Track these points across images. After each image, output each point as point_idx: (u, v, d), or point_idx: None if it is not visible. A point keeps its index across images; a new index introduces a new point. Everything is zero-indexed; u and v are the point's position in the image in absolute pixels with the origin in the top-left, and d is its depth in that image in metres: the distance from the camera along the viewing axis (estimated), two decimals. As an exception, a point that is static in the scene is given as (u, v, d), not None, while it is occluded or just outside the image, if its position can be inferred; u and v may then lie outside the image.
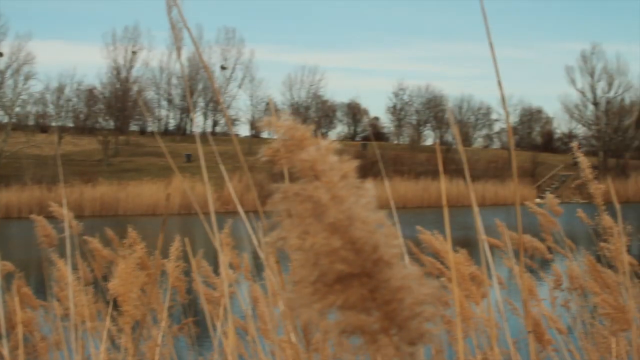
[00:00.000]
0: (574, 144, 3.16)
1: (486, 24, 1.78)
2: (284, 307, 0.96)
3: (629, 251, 5.09)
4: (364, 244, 0.90)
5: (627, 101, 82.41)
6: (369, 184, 0.95)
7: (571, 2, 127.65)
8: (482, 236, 2.40)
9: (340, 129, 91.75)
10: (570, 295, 5.57)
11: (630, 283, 2.80)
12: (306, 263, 0.91)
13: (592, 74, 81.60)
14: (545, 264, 5.99)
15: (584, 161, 3.05)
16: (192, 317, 6.01)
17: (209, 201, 2.06)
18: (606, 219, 3.02)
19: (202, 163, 2.00)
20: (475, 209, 2.21)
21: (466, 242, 3.31)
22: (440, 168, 1.99)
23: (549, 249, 5.45)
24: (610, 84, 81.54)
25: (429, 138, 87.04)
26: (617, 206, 2.89)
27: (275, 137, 0.99)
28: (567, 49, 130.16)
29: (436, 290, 0.92)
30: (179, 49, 1.79)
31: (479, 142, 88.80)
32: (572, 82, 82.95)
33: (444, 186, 2.12)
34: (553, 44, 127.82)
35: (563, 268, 5.64)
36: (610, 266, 4.70)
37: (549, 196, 5.27)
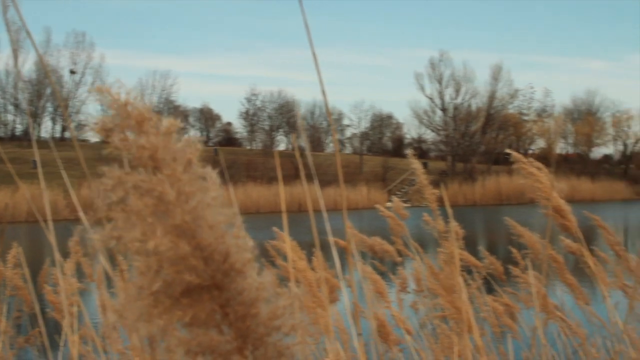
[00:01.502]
0: (409, 151, 3.24)
1: (309, 35, 1.79)
2: (117, 319, 0.78)
3: (474, 254, 5.24)
4: (213, 251, 0.79)
5: (474, 107, 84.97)
6: (214, 173, 0.84)
7: (420, 9, 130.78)
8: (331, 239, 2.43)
9: (192, 134, 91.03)
10: (417, 296, 5.69)
11: (462, 285, 2.88)
12: (147, 270, 0.78)
13: (440, 81, 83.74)
14: (396, 266, 6.09)
15: (418, 167, 3.13)
16: (39, 328, 5.85)
17: (52, 208, 2.00)
18: (440, 223, 3.10)
19: (40, 170, 1.95)
20: (321, 214, 2.23)
21: (321, 246, 3.34)
22: (279, 175, 2.00)
23: (399, 252, 5.55)
24: (457, 91, 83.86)
25: (282, 143, 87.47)
26: (449, 211, 2.97)
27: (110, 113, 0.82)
28: (417, 56, 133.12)
29: (294, 300, 0.81)
30: (15, 52, 1.73)
31: (331, 148, 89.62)
32: (422, 88, 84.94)
33: (282, 193, 2.13)
34: (403, 50, 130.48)
35: (412, 270, 5.76)
36: (465, 268, 4.82)
37: (396, 200, 5.37)
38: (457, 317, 2.80)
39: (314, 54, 1.81)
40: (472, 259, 4.96)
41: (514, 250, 5.31)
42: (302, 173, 2.05)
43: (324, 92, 1.89)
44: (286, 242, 2.41)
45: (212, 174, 0.84)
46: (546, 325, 4.54)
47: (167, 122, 0.83)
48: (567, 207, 3.00)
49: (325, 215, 2.32)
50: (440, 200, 3.33)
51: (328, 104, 1.92)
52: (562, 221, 2.99)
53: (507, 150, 2.82)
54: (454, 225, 3.00)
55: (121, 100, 0.83)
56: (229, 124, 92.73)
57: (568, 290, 4.65)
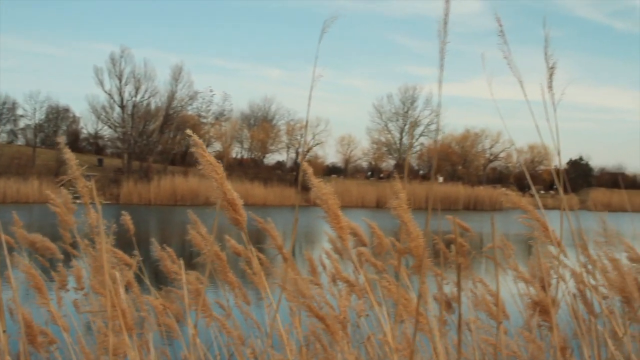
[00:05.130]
0: (59, 139, 3.15)
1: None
2: None
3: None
4: None
5: (153, 106, 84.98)
6: None
7: (101, 2, 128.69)
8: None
9: None
10: (78, 294, 5.55)
11: (113, 282, 2.86)
12: None
13: (120, 77, 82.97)
14: (61, 263, 5.88)
15: (70, 157, 3.06)
16: None
17: None
18: (93, 217, 3.05)
19: None
20: None
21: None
22: None
23: (62, 249, 5.37)
24: (137, 89, 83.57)
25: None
26: (99, 207, 2.93)
27: None
28: (97, 49, 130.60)
29: None
30: None
31: (2, 138, 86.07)
32: (101, 83, 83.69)
33: None
34: (82, 42, 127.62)
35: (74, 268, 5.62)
36: (121, 266, 4.76)
37: (64, 193, 5.21)
38: (112, 315, 2.76)
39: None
40: (124, 256, 4.89)
41: (170, 250, 5.30)
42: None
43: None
44: None
45: None
46: (209, 325, 4.60)
47: None
48: (240, 201, 3.03)
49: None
50: (115, 198, 3.27)
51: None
52: (234, 215, 3.02)
53: (188, 132, 2.79)
54: (105, 222, 2.96)
55: None
56: None
57: (229, 290, 4.74)
